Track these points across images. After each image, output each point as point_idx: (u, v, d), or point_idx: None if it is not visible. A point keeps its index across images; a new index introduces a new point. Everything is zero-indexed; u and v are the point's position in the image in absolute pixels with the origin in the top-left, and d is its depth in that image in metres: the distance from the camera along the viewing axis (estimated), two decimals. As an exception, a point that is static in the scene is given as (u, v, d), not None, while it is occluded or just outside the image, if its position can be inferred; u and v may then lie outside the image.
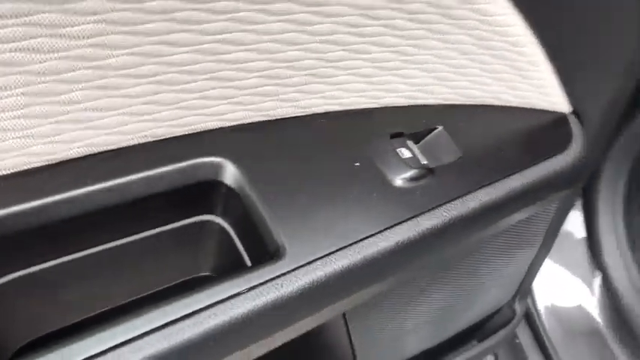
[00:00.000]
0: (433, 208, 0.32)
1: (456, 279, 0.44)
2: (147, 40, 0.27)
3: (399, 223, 0.30)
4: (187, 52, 0.28)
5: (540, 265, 0.53)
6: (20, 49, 0.24)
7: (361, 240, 0.29)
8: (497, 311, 0.59)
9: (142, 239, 0.32)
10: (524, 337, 0.72)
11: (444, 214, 0.32)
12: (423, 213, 0.31)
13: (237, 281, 0.29)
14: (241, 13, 0.28)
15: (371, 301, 0.36)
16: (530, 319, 0.67)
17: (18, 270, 0.31)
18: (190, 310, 0.27)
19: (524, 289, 0.55)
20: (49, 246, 0.31)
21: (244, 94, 0.29)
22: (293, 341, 0.32)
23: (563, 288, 0.69)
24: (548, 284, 0.68)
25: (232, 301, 0.28)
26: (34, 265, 0.31)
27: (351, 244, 0.29)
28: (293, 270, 0.28)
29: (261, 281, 0.28)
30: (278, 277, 0.28)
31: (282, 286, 0.28)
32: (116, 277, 0.33)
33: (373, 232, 0.30)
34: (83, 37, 0.25)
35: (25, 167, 0.29)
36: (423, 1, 0.29)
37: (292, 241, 0.29)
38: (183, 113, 0.29)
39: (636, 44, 0.33)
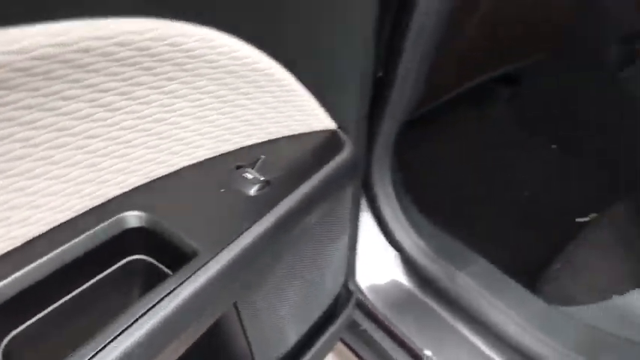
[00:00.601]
0: (275, 206, 0.48)
1: (297, 265, 0.60)
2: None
3: (261, 218, 0.46)
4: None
5: (355, 246, 0.72)
6: None
7: (242, 234, 0.44)
8: (338, 296, 0.76)
9: (80, 294, 0.42)
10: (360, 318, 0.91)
11: (280, 210, 0.49)
12: (270, 209, 0.47)
13: (164, 286, 0.41)
14: (108, 98, 0.41)
15: (253, 287, 0.50)
16: (359, 299, 0.87)
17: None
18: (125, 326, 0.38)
19: (351, 270, 0.73)
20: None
21: (134, 164, 0.43)
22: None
23: (374, 266, 0.90)
24: (361, 266, 0.89)
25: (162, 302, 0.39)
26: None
27: (236, 238, 0.44)
28: (207, 262, 0.42)
29: (188, 275, 0.41)
30: (197, 270, 0.41)
31: (200, 277, 0.41)
32: (63, 334, 0.42)
33: (248, 227, 0.45)
34: None
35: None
36: (211, 73, 0.45)
37: (201, 244, 0.43)
38: (98, 187, 0.41)
39: (362, 66, 0.54)
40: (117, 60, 0.36)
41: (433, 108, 1.14)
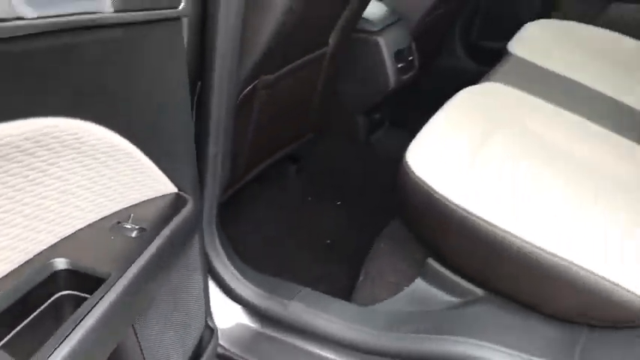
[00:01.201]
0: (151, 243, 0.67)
1: (162, 305, 0.77)
2: None
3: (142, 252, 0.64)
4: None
5: (208, 291, 0.91)
6: None
7: (135, 260, 0.62)
8: (201, 337, 0.93)
9: (19, 332, 0.54)
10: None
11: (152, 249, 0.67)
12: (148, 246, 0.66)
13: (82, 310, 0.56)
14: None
15: (144, 312, 0.67)
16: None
17: None
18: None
19: (208, 308, 0.91)
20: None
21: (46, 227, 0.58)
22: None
23: (218, 314, 1.10)
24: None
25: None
26: None
27: (133, 262, 0.61)
28: (119, 278, 0.58)
29: (106, 290, 0.56)
30: (112, 286, 0.57)
31: (112, 294, 0.57)
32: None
33: (139, 254, 0.63)
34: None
35: None
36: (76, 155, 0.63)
37: (110, 269, 0.59)
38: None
39: (187, 142, 0.77)
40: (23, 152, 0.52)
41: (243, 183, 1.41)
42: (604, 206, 1.08)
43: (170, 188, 0.77)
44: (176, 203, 0.76)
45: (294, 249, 1.55)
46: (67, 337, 0.51)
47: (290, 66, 1.35)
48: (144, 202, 0.72)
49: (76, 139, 0.56)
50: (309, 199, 1.79)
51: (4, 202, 0.52)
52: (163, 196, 0.75)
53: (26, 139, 0.51)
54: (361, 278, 1.25)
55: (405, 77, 1.71)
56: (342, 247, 1.57)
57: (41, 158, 0.54)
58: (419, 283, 1.17)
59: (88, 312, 0.54)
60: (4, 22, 0.43)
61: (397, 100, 1.88)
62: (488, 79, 1.53)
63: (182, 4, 0.64)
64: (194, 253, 0.83)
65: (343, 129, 1.83)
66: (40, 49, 0.49)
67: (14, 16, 0.43)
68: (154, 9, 0.60)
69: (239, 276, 1.15)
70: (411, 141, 1.18)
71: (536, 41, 1.87)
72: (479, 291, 1.11)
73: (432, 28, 1.92)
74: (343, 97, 1.74)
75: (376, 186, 1.78)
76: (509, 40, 1.90)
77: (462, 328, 1.03)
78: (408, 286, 1.18)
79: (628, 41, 2.01)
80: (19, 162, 0.52)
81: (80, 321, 0.53)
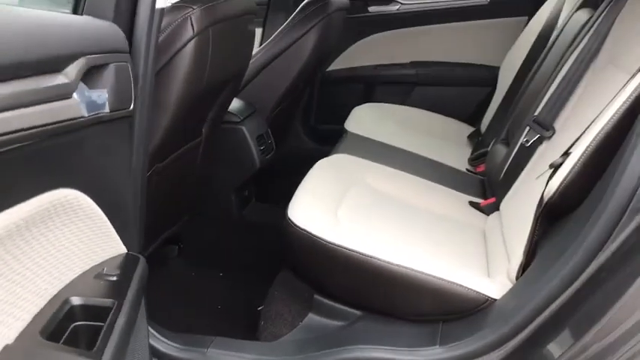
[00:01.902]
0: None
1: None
2: None
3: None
4: None
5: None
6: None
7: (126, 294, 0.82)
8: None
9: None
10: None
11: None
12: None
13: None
14: None
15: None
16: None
17: None
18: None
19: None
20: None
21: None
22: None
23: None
24: None
25: None
26: None
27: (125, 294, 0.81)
28: (122, 305, 0.77)
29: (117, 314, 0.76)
30: (121, 309, 0.77)
31: (121, 318, 0.77)
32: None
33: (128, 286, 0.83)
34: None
35: None
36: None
37: (113, 300, 0.79)
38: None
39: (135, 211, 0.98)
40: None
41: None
42: (431, 230, 1.47)
43: (123, 249, 0.97)
44: (130, 261, 0.96)
45: (189, 315, 1.72)
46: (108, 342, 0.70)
47: (174, 155, 1.59)
48: (108, 259, 0.92)
49: (76, 205, 0.77)
50: (193, 274, 1.99)
51: (29, 263, 0.71)
52: (119, 255, 0.96)
53: (48, 208, 0.71)
54: (262, 322, 1.48)
55: (267, 157, 2.03)
56: (234, 307, 1.78)
57: (53, 224, 0.74)
58: (311, 317, 1.43)
59: (114, 325, 0.73)
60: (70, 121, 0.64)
61: (259, 179, 2.19)
62: (336, 152, 1.90)
63: (132, 105, 0.88)
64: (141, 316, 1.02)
65: (218, 207, 2.08)
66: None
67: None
68: (119, 109, 0.83)
69: (157, 335, 1.32)
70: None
71: (365, 120, 2.32)
72: (358, 312, 1.40)
73: (280, 116, 2.28)
74: (216, 180, 2.00)
75: (252, 253, 2.03)
76: (341, 123, 2.34)
77: (350, 340, 1.31)
78: (302, 320, 1.43)
79: (432, 115, 2.56)
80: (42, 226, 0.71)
81: (110, 333, 0.71)
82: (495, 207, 1.72)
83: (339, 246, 1.30)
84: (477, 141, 2.35)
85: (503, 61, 2.51)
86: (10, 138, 0.59)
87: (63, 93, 0.68)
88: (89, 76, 0.75)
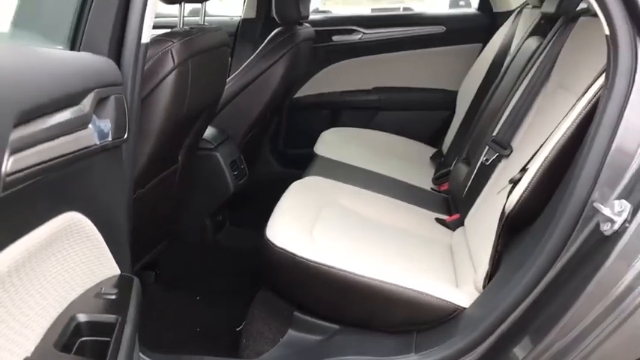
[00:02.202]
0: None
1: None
2: None
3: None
4: None
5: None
6: None
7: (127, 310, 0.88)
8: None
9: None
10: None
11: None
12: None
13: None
14: None
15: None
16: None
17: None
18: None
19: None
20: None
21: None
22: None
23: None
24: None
25: None
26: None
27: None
28: (125, 320, 0.82)
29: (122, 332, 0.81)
30: (125, 324, 0.82)
31: (127, 329, 0.82)
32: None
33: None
34: None
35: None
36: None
37: (116, 316, 0.84)
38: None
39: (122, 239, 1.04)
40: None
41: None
42: (402, 245, 1.57)
43: (117, 270, 1.02)
44: (126, 281, 1.01)
45: (170, 339, 1.76)
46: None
47: (153, 181, 1.65)
48: (105, 280, 0.97)
49: (80, 227, 0.82)
50: (171, 299, 2.02)
51: (41, 281, 0.76)
52: (114, 275, 1.01)
53: (57, 231, 0.77)
54: (244, 341, 1.53)
55: (240, 182, 2.10)
56: (213, 329, 1.82)
57: (62, 245, 0.79)
58: (291, 333, 1.49)
59: (121, 339, 0.78)
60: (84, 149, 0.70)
61: (233, 203, 2.25)
62: (308, 174, 1.99)
63: (126, 134, 0.95)
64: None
65: (193, 232, 2.12)
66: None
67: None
68: (118, 138, 0.90)
69: (145, 357, 1.36)
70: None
71: (333, 144, 2.41)
72: (336, 326, 1.47)
73: (252, 142, 2.36)
74: (192, 205, 2.05)
75: (227, 276, 2.08)
76: (309, 147, 2.43)
77: (330, 352, 1.38)
78: (283, 337, 1.49)
79: (396, 137, 2.68)
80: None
81: (118, 346, 0.76)
82: (460, 222, 1.83)
83: (316, 262, 1.37)
84: (440, 161, 2.47)
85: (460, 86, 2.65)
86: (40, 169, 0.65)
87: (82, 124, 0.74)
88: (97, 108, 0.82)
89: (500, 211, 1.37)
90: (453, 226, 1.87)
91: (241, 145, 2.24)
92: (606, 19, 1.09)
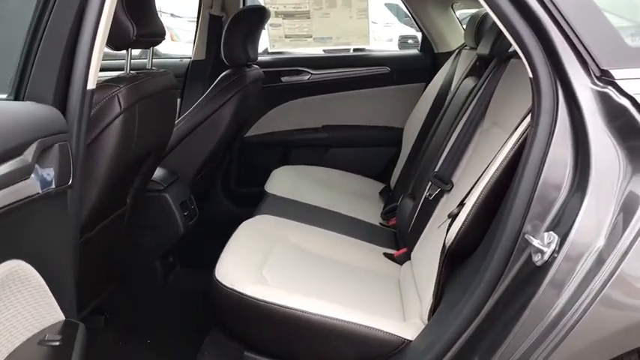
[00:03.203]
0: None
1: None
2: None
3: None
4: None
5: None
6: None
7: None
8: None
9: None
10: None
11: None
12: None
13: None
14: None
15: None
16: None
17: None
18: None
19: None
20: None
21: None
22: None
23: None
24: None
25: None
26: None
27: None
28: None
29: None
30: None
31: None
32: None
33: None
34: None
35: None
36: None
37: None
38: None
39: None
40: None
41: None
42: (350, 281, 1.60)
43: (61, 316, 1.02)
44: (70, 327, 1.01)
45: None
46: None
47: (101, 225, 1.64)
48: (49, 326, 0.97)
49: (23, 275, 0.82)
50: (120, 343, 1.98)
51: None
52: (59, 322, 1.00)
53: (2, 278, 0.77)
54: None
55: (190, 223, 2.10)
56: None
57: (3, 293, 0.79)
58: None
59: None
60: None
61: (183, 244, 2.25)
62: (258, 213, 2.01)
63: (71, 181, 0.96)
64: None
65: (143, 275, 2.11)
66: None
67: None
68: (62, 185, 0.91)
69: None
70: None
71: (284, 182, 2.45)
72: (289, 365, 1.48)
73: (202, 182, 2.37)
74: (141, 247, 2.04)
75: (178, 319, 2.07)
76: (260, 185, 2.46)
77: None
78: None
79: (346, 174, 2.74)
80: None
81: None
82: (407, 256, 1.88)
83: (265, 302, 1.39)
84: (388, 196, 2.54)
85: (406, 123, 2.75)
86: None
87: (24, 174, 0.76)
88: (40, 157, 0.83)
89: (441, 242, 1.43)
90: (400, 260, 1.92)
91: (192, 185, 2.25)
92: (528, 63, 1.18)
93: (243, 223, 1.85)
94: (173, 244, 2.11)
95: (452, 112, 2.12)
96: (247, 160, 2.90)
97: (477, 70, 2.15)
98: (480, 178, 1.43)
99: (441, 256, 1.42)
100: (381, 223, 2.29)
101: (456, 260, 1.41)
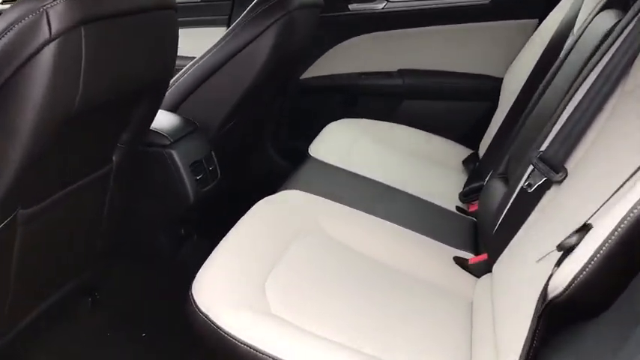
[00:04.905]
0: None
1: None
2: None
3: None
4: None
5: None
6: None
7: None
8: None
9: None
10: None
11: None
12: None
13: None
14: None
15: None
16: None
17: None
18: None
19: None
20: None
21: None
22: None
23: None
24: None
25: None
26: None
27: None
28: None
29: None
30: None
31: None
32: None
33: None
34: None
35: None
36: None
37: None
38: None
39: None
40: None
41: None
42: (397, 305, 1.08)
43: None
44: None
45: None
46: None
47: (60, 193, 1.21)
48: None
49: None
50: (108, 334, 1.59)
51: None
52: None
53: None
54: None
55: (205, 189, 1.63)
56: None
57: None
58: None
59: None
60: None
61: (205, 211, 1.79)
62: (286, 187, 1.50)
63: None
64: None
65: (143, 250, 1.68)
66: None
67: None
68: None
69: None
70: None
71: (337, 141, 1.91)
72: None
73: (234, 133, 1.88)
74: (140, 216, 1.60)
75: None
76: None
77: None
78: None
79: (421, 133, 2.15)
80: None
81: None
82: (487, 267, 1.31)
83: (241, 342, 0.91)
84: (473, 169, 1.94)
85: (506, 72, 2.09)
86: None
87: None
88: None
89: (541, 280, 0.86)
90: (476, 270, 1.36)
91: (216, 139, 1.76)
92: None
93: (258, 204, 1.35)
94: (182, 214, 1.65)
95: (575, 62, 1.46)
96: (302, 108, 2.38)
97: (620, 0, 1.46)
98: (620, 185, 0.83)
99: (538, 303, 0.85)
100: (458, 207, 1.71)
101: (563, 317, 0.84)
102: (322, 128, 2.03)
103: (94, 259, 1.50)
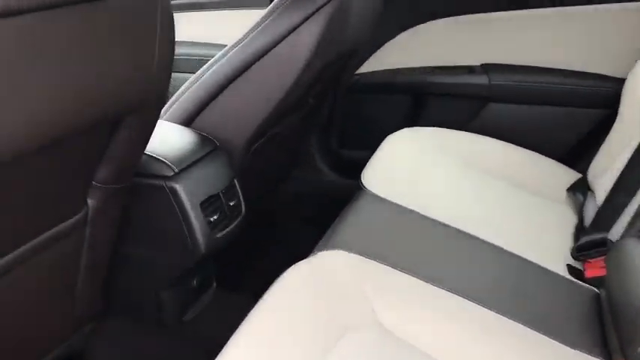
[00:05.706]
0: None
1: None
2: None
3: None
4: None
5: None
6: None
7: None
8: None
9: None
10: None
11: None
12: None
13: None
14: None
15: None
16: None
17: None
18: None
19: None
20: None
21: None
22: None
23: None
24: None
25: None
26: None
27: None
28: None
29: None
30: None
31: None
32: None
33: None
34: None
35: None
36: None
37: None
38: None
39: None
40: None
41: None
42: None
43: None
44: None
45: None
46: None
47: (14, 253, 0.84)
48: None
49: None
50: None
51: None
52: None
53: None
54: None
55: (222, 234, 1.21)
56: None
57: None
58: None
59: None
60: None
61: (227, 254, 1.38)
62: (326, 245, 1.06)
63: None
64: None
65: (142, 312, 1.29)
66: None
67: None
68: None
69: None
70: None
71: (398, 163, 1.46)
72: None
73: (265, 152, 1.46)
74: (136, 271, 1.21)
75: None
76: (373, 149, 1.52)
77: None
78: None
79: (511, 149, 1.66)
80: None
81: None
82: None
83: None
84: (583, 202, 1.44)
85: (630, 72, 1.57)
86: None
87: None
88: None
89: None
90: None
91: (244, 160, 1.35)
92: None
93: (292, 268, 0.93)
94: (192, 266, 1.24)
95: None
96: (357, 111, 1.94)
97: None
98: None
99: None
100: (570, 267, 1.22)
101: None
102: (381, 135, 1.59)
103: (75, 324, 1.13)
